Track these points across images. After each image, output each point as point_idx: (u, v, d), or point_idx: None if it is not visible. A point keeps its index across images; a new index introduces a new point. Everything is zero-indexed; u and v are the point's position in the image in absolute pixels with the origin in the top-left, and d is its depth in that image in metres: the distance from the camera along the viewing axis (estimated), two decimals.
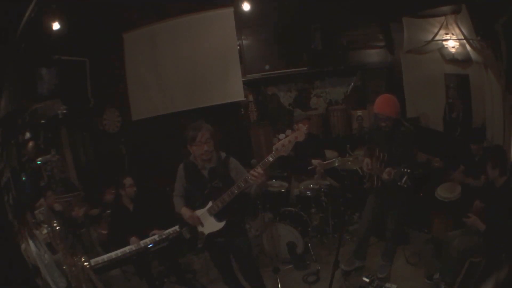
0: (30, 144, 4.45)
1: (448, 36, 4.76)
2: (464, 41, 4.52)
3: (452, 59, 4.86)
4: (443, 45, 4.86)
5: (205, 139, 2.86)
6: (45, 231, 3.60)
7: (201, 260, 4.28)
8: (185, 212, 3.02)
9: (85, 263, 3.09)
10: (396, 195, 3.40)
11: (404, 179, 3.13)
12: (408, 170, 3.12)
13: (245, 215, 3.50)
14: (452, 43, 4.75)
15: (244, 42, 5.75)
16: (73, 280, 3.07)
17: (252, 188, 2.88)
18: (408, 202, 3.53)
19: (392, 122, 3.30)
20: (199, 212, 3.00)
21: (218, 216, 2.95)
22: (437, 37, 4.84)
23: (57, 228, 3.43)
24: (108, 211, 4.35)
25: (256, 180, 2.71)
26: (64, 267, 3.18)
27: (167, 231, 3.81)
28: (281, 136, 2.71)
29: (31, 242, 3.20)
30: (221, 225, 2.95)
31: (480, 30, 4.17)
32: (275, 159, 2.71)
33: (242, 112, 5.99)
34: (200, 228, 3.03)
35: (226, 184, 2.90)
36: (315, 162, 4.38)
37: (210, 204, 2.95)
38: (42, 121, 4.66)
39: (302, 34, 5.77)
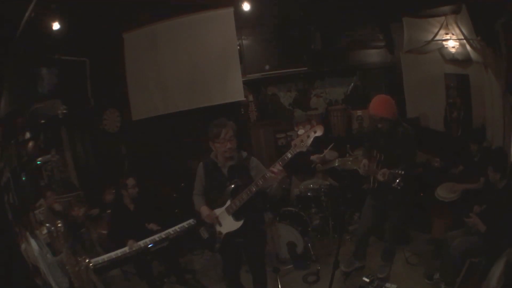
0: (30, 144, 4.45)
1: (448, 36, 4.75)
2: (464, 41, 4.51)
3: (452, 59, 4.85)
4: (443, 45, 4.85)
5: (229, 137, 2.82)
6: (45, 231, 3.60)
7: (201, 260, 4.29)
8: (204, 210, 2.98)
9: (89, 264, 3.10)
10: (394, 196, 3.40)
11: (397, 181, 3.08)
12: (402, 172, 3.07)
13: (264, 215, 3.45)
14: (452, 43, 4.74)
15: (244, 42, 5.75)
16: (77, 280, 3.07)
17: (272, 188, 2.83)
18: (407, 203, 3.53)
19: (387, 123, 3.26)
20: (217, 211, 2.95)
21: (236, 215, 2.89)
22: (437, 37, 4.83)
23: (62, 228, 3.43)
24: (108, 211, 4.36)
25: (276, 176, 2.65)
26: (67, 267, 3.18)
27: (167, 231, 3.82)
28: (300, 131, 2.65)
29: (33, 242, 3.19)
30: (238, 224, 2.89)
31: (480, 30, 4.16)
32: (293, 155, 2.66)
33: (242, 112, 5.99)
34: (218, 228, 2.98)
35: (245, 183, 2.84)
36: (313, 157, 4.37)
37: (228, 202, 2.90)
38: (42, 121, 4.66)
39: (302, 34, 5.77)
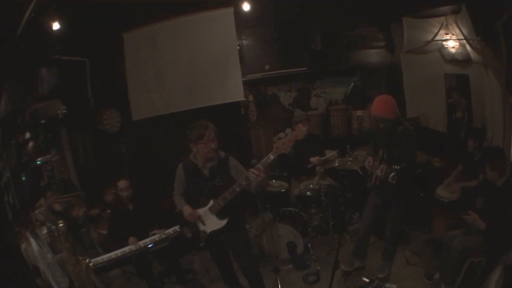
0: (30, 144, 4.45)
1: (448, 36, 4.76)
2: (464, 41, 4.52)
3: (452, 59, 4.86)
4: (443, 45, 4.86)
5: (212, 137, 2.88)
6: (45, 231, 3.59)
7: (201, 260, 4.28)
8: (186, 209, 3.04)
9: (90, 264, 3.10)
10: (395, 195, 3.41)
11: (391, 175, 3.13)
12: (397, 167, 3.13)
13: (246, 213, 3.52)
14: (452, 43, 4.75)
15: (244, 42, 5.75)
16: (77, 280, 3.07)
17: (252, 185, 2.91)
18: (407, 202, 3.53)
19: (389, 123, 3.30)
20: (200, 211, 3.01)
21: (219, 215, 2.97)
22: (437, 37, 4.84)
23: (63, 227, 3.43)
24: (108, 211, 4.35)
25: (257, 177, 2.75)
26: (67, 267, 3.18)
27: (167, 231, 3.82)
28: (281, 134, 2.77)
29: (33, 242, 3.19)
30: (223, 223, 2.97)
31: (480, 30, 4.17)
32: (275, 157, 2.77)
33: (242, 112, 5.99)
34: (201, 227, 3.04)
35: (226, 183, 2.93)
36: (313, 159, 4.39)
37: (211, 202, 2.96)
38: (42, 121, 4.66)
39: (302, 34, 5.77)
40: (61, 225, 3.37)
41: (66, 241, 3.36)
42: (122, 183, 3.92)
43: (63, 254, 3.31)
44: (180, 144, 3.12)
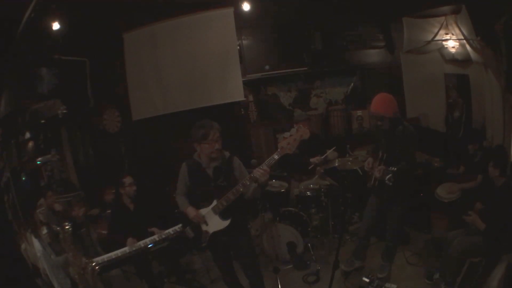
0: (30, 144, 4.45)
1: (448, 36, 4.76)
2: (464, 41, 4.52)
3: (452, 59, 4.86)
4: (443, 45, 4.86)
5: (216, 138, 2.87)
6: (44, 231, 3.59)
7: (201, 260, 4.28)
8: (191, 211, 3.03)
9: (96, 267, 3.09)
10: (396, 195, 3.41)
11: (388, 176, 3.13)
12: (394, 169, 3.13)
13: (248, 213, 3.52)
14: (452, 43, 4.75)
15: (244, 42, 5.74)
16: (81, 282, 3.07)
17: (250, 190, 2.90)
18: (408, 202, 3.53)
19: (387, 121, 3.29)
20: (203, 211, 3.00)
21: (222, 215, 2.95)
22: (437, 37, 4.84)
23: (69, 229, 3.42)
24: (108, 211, 4.35)
25: (262, 176, 2.73)
26: (71, 269, 3.18)
27: (167, 231, 3.82)
28: (286, 134, 2.74)
29: (36, 242, 3.19)
30: (226, 223, 2.96)
31: (480, 30, 4.17)
32: (280, 157, 2.75)
33: (242, 112, 5.99)
34: (204, 227, 3.03)
35: (230, 183, 2.92)
36: (313, 159, 4.38)
37: (214, 202, 2.95)
38: (42, 121, 4.66)
39: (302, 34, 5.77)
40: (67, 227, 3.36)
41: (72, 243, 3.35)
42: (128, 179, 3.93)
43: (68, 255, 3.31)
44: (181, 144, 3.12)
